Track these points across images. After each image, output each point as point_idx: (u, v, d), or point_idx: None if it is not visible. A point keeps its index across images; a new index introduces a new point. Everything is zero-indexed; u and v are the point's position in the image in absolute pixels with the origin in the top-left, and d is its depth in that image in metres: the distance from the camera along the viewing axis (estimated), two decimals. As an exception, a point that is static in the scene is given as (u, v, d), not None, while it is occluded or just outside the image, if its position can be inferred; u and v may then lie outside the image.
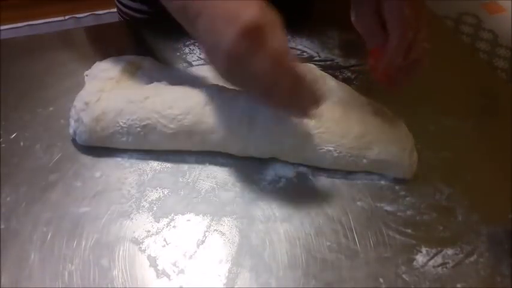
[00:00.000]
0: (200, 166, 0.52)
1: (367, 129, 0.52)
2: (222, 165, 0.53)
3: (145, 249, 0.46)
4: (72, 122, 0.52)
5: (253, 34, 0.42)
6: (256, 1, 0.44)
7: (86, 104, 0.51)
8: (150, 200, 0.49)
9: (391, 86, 0.54)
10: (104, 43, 0.62)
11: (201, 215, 0.49)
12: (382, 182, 0.53)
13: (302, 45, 0.67)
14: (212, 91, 0.52)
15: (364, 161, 0.52)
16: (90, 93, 0.52)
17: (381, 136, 0.52)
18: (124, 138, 0.51)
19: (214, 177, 0.52)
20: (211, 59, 0.47)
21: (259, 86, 0.46)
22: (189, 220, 0.48)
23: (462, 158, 0.56)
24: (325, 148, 0.51)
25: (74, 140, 0.53)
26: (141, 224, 0.47)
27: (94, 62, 0.61)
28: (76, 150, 0.53)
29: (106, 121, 0.51)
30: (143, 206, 0.49)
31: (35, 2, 0.71)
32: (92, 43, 0.62)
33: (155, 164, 0.52)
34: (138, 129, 0.50)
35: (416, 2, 0.50)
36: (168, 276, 0.44)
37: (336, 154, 0.51)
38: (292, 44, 0.66)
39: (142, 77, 0.56)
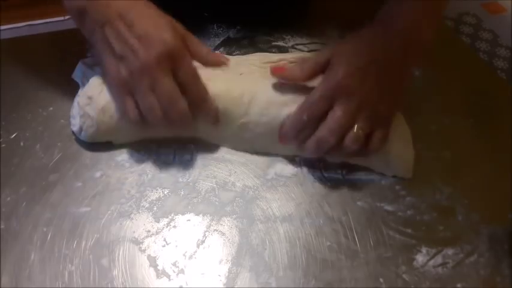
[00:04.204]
0: (200, 166, 0.53)
1: None
2: (222, 165, 0.53)
3: (145, 249, 0.46)
4: (76, 120, 0.52)
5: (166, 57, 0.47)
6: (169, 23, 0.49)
7: (90, 98, 0.51)
8: (150, 200, 0.49)
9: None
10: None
11: (201, 215, 0.49)
12: (382, 182, 0.53)
13: (302, 45, 0.66)
14: (214, 71, 0.54)
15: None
16: (93, 88, 0.52)
17: None
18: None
19: (214, 177, 0.52)
20: (109, 65, 0.49)
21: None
22: (189, 220, 0.48)
23: (462, 158, 0.56)
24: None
25: (74, 140, 0.53)
26: (141, 224, 0.47)
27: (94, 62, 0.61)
28: (76, 150, 0.53)
29: (113, 109, 0.51)
30: (143, 206, 0.49)
31: (35, 2, 0.71)
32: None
33: (155, 164, 0.52)
34: None
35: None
36: (168, 276, 0.44)
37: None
38: (291, 43, 0.66)
39: None
